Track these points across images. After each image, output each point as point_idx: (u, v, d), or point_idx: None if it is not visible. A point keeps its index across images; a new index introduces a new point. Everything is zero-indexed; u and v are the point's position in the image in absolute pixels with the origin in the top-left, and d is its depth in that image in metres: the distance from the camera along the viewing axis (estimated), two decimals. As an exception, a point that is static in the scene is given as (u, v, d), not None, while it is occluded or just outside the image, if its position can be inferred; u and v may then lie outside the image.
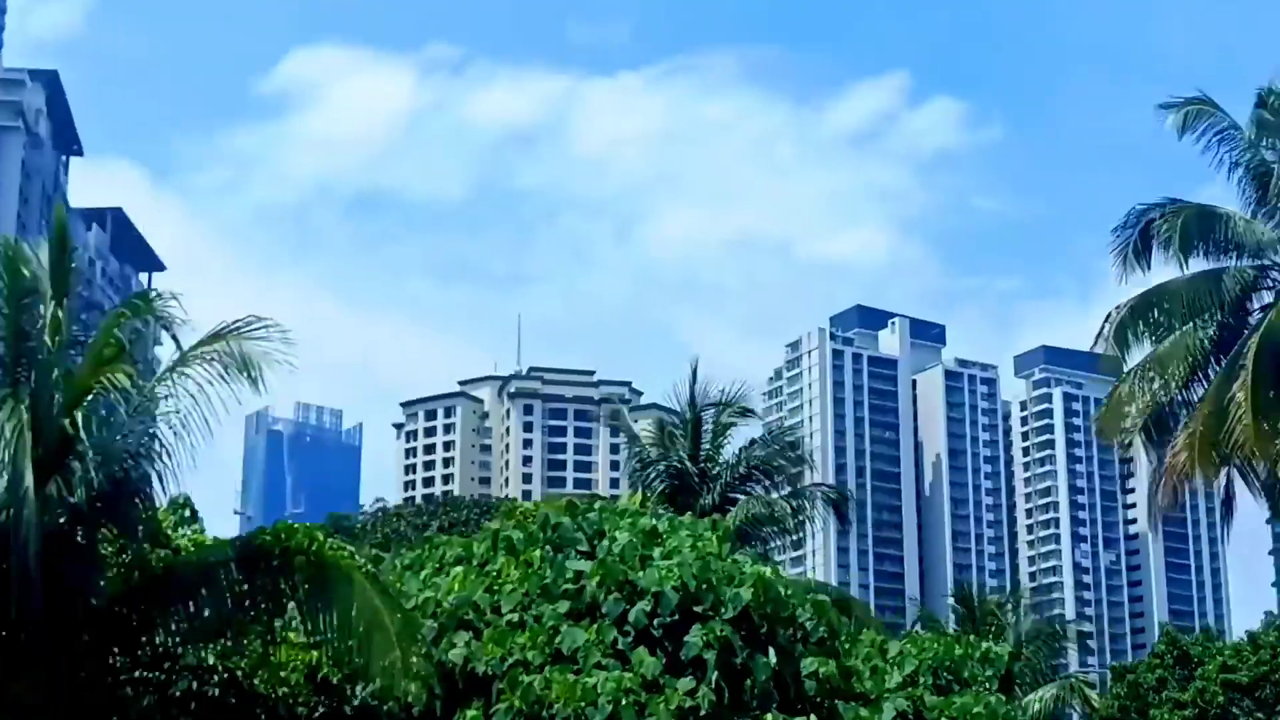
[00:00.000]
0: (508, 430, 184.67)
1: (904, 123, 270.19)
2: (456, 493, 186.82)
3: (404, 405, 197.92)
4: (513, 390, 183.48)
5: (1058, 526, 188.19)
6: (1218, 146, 20.19)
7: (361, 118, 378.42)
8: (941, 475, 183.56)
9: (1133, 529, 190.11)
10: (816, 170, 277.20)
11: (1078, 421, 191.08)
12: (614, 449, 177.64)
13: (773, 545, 26.47)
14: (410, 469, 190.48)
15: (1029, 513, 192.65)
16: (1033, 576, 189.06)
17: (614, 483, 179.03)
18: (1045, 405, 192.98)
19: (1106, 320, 20.43)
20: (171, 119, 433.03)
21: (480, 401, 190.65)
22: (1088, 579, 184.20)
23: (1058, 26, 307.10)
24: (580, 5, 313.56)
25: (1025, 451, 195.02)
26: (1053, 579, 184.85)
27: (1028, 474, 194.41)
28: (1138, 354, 20.78)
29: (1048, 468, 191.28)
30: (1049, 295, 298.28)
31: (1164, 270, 20.76)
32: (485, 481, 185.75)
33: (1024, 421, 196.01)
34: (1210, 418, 19.01)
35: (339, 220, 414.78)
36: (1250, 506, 21.66)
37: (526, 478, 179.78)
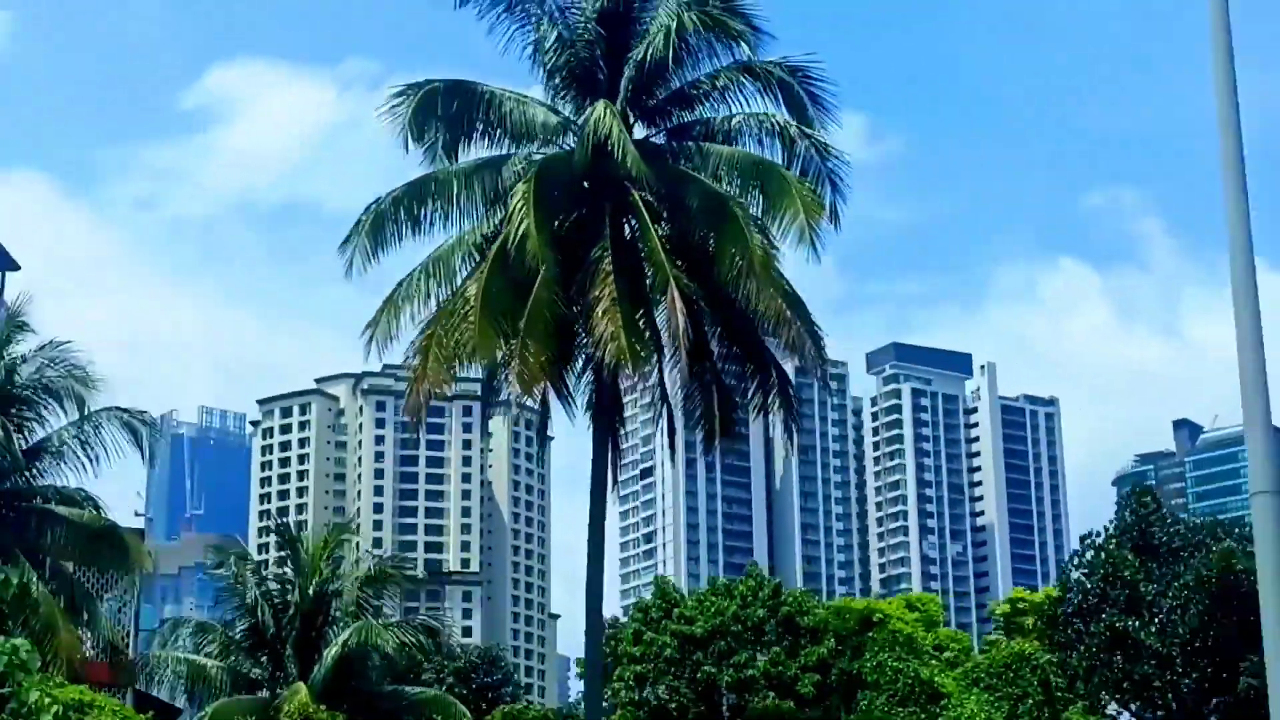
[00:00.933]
0: (360, 427, 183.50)
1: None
2: (311, 490, 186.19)
3: (260, 402, 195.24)
4: (365, 387, 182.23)
5: (906, 519, 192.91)
6: (508, 23, 18.23)
7: (280, 132, 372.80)
8: (791, 470, 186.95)
9: (980, 520, 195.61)
10: None
11: (926, 416, 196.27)
12: (466, 444, 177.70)
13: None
14: (266, 465, 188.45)
15: (879, 505, 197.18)
16: (882, 568, 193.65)
17: (465, 477, 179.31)
18: (895, 401, 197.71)
19: (365, 212, 18.12)
20: (92, 133, 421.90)
21: (335, 399, 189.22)
22: (935, 570, 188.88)
23: (950, 44, 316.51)
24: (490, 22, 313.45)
25: (875, 446, 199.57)
26: (901, 570, 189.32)
27: (878, 468, 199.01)
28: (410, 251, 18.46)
29: (896, 461, 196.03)
30: (942, 299, 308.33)
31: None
32: (340, 478, 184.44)
33: (874, 417, 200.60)
34: (451, 317, 17.66)
35: (256, 232, 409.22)
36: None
37: (379, 473, 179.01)
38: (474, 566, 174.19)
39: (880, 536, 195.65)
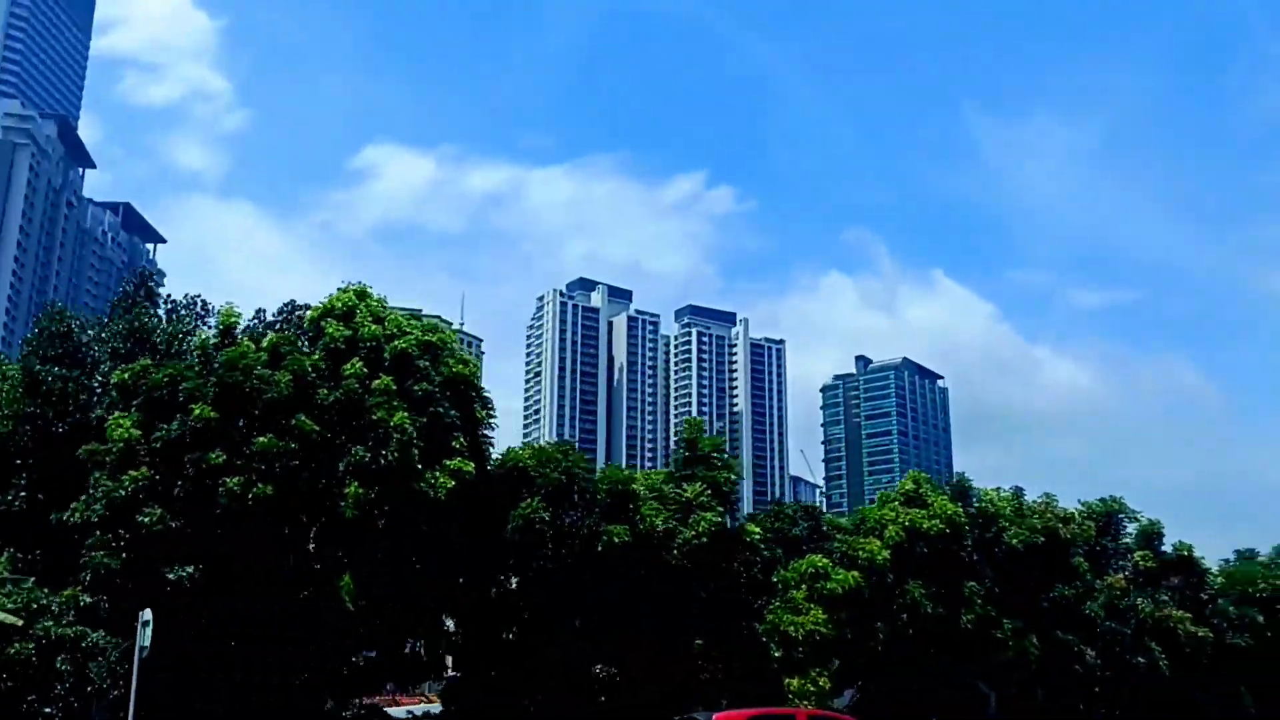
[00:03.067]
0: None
1: (705, 199, 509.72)
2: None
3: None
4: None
5: (689, 407, 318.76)
6: None
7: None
8: (623, 378, 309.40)
9: (735, 408, 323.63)
10: (656, 222, 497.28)
11: (705, 348, 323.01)
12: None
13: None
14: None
15: (676, 398, 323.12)
16: (676, 434, 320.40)
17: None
18: (688, 339, 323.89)
19: None
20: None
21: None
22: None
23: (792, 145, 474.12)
24: (524, 119, 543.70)
25: (673, 364, 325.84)
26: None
27: (675, 379, 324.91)
28: None
29: (686, 373, 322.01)
30: (772, 291, 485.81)
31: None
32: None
33: (676, 347, 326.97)
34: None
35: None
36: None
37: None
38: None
39: (675, 417, 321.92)
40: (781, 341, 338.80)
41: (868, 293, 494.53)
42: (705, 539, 36.22)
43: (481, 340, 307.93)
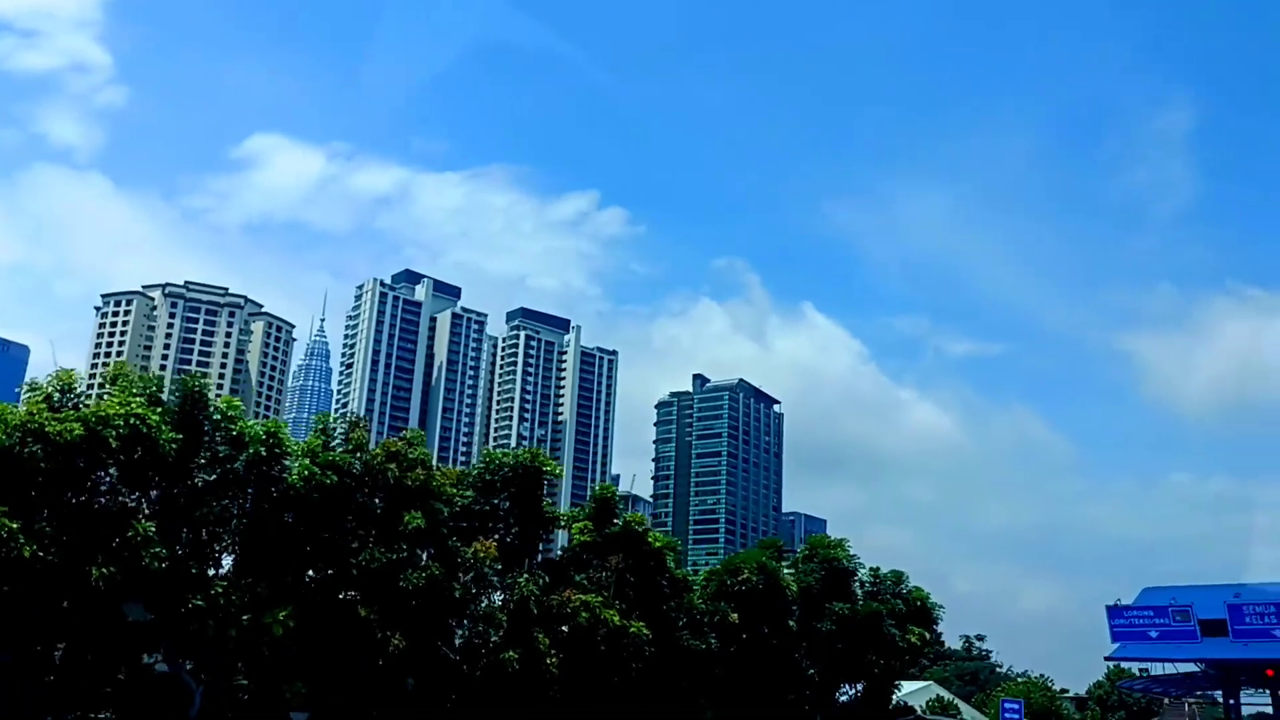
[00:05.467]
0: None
1: (595, 218, 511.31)
2: None
3: None
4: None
5: (511, 412, 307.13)
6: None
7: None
8: (442, 376, 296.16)
9: (560, 416, 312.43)
10: (546, 238, 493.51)
11: (533, 352, 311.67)
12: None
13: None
14: None
15: (499, 401, 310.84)
16: (496, 441, 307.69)
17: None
18: (515, 341, 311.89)
19: None
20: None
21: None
22: (526, 444, 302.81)
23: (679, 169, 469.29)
24: (421, 124, 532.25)
25: (498, 366, 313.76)
26: (505, 445, 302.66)
27: (500, 381, 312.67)
28: None
29: (511, 376, 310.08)
30: (647, 316, 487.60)
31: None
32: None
33: (502, 350, 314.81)
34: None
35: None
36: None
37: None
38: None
39: (496, 423, 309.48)
40: (614, 352, 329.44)
41: (739, 319, 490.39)
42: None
43: (294, 326, 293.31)
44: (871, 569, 63.20)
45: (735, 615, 50.86)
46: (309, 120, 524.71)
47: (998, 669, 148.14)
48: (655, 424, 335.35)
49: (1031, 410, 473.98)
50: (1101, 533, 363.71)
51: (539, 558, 48.13)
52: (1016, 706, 67.54)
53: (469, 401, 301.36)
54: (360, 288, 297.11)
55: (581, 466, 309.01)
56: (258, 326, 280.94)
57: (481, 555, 40.74)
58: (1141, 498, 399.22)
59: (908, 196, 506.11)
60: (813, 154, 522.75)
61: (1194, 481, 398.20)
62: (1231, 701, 64.73)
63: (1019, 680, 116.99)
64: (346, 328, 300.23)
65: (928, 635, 61.83)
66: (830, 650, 56.57)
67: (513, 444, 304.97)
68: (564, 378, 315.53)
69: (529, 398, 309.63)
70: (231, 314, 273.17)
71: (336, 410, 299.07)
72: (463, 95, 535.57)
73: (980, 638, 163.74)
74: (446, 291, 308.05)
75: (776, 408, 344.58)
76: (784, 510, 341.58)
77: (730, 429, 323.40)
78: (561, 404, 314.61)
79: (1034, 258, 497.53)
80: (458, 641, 41.38)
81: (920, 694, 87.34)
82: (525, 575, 43.04)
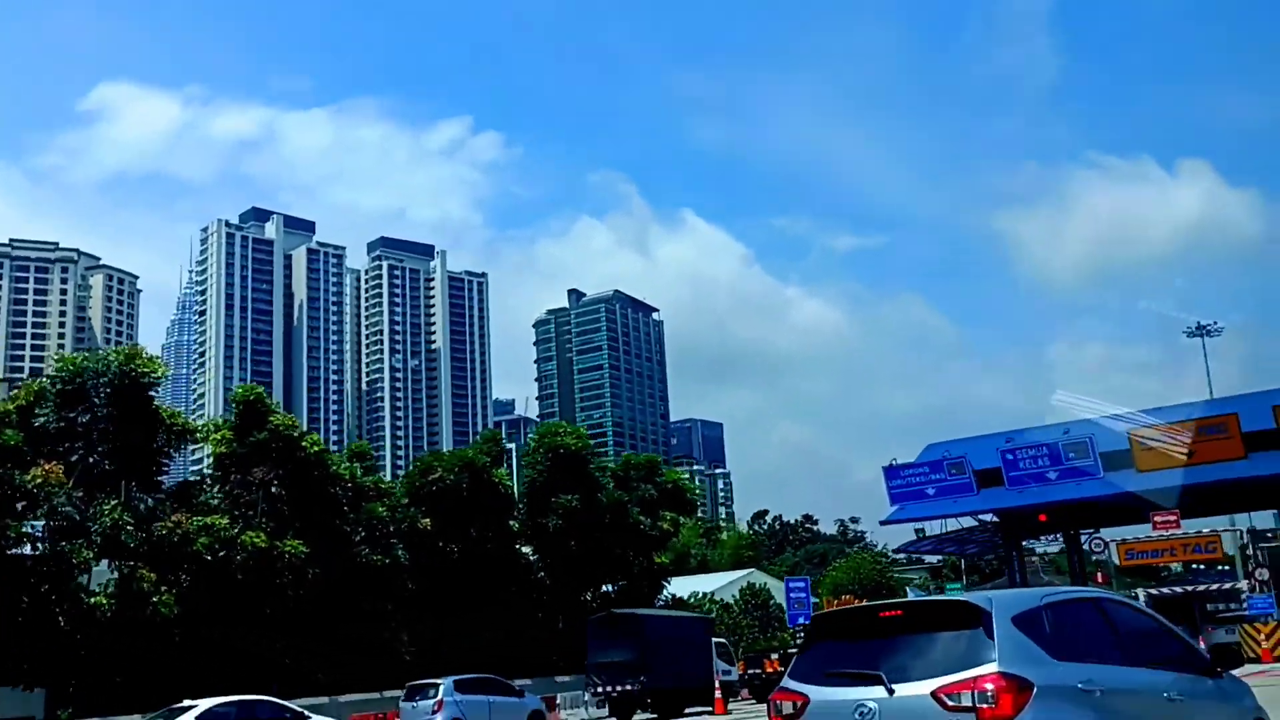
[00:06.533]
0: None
1: (470, 145, 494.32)
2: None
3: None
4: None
5: (381, 345, 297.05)
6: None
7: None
8: (304, 315, 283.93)
9: (432, 345, 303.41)
10: (422, 169, 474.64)
11: (398, 282, 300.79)
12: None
13: None
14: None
15: (367, 335, 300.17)
16: (367, 380, 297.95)
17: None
18: (378, 272, 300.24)
19: None
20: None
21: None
22: (399, 381, 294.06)
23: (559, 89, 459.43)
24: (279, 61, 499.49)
25: (364, 299, 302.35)
26: (378, 380, 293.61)
27: (367, 316, 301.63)
28: None
29: (378, 310, 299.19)
30: (530, 238, 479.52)
31: None
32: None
33: (366, 282, 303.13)
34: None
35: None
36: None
37: None
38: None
39: (364, 359, 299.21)
40: (484, 275, 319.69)
41: (621, 233, 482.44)
42: None
43: (138, 277, 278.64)
44: (625, 456, 57.99)
45: (427, 521, 44.92)
46: (157, 64, 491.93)
47: (866, 550, 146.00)
48: (535, 343, 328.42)
49: (918, 297, 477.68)
50: (994, 409, 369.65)
51: (163, 480, 41.42)
52: (802, 584, 63.51)
53: (335, 338, 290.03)
54: (205, 229, 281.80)
55: (461, 393, 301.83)
56: (97, 280, 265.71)
57: (40, 481, 33.74)
58: (1027, 372, 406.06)
59: (777, 96, 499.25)
60: (678, 59, 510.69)
61: (1071, 349, 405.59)
62: (1015, 553, 61.60)
63: (855, 553, 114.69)
64: (194, 274, 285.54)
65: (681, 520, 56.93)
66: (563, 548, 51.26)
67: (386, 378, 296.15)
68: (433, 305, 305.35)
69: (398, 329, 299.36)
70: (65, 269, 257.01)
71: (194, 361, 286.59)
72: (317, 27, 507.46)
73: (855, 519, 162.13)
74: (300, 226, 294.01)
75: (655, 315, 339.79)
76: (675, 418, 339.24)
77: (610, 341, 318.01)
78: (434, 332, 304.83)
79: (906, 148, 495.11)
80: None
81: (738, 583, 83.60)
82: (114, 501, 36.17)
